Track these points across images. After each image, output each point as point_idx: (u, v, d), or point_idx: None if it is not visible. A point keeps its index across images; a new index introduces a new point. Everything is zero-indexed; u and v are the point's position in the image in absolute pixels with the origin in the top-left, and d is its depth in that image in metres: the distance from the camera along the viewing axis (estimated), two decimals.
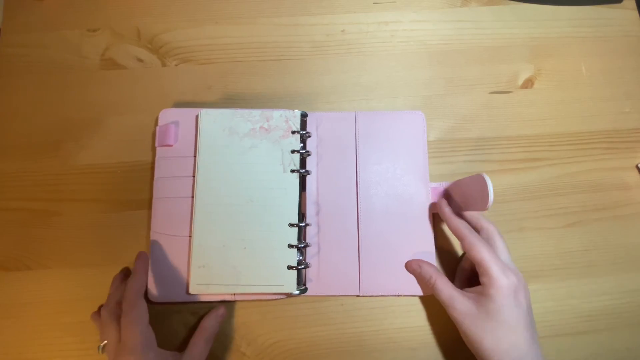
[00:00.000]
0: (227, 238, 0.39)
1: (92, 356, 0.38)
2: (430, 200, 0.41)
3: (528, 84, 0.46)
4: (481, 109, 0.45)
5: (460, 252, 0.41)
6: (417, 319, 0.40)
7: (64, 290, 0.40)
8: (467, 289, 0.35)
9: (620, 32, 0.48)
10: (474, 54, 0.47)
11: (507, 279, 0.33)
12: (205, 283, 0.38)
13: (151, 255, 0.39)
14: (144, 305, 0.35)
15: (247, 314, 0.40)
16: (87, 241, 0.41)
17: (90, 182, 0.42)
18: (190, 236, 0.39)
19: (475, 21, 0.48)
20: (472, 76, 0.46)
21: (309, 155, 0.42)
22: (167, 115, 0.42)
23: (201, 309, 0.39)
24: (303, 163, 0.41)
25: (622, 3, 0.49)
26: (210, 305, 0.39)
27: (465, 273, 0.39)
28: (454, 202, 0.39)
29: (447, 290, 0.35)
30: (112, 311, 0.35)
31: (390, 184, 0.41)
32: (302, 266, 0.38)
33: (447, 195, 0.40)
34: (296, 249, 0.39)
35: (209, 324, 0.37)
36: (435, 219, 0.41)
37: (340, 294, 0.39)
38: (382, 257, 0.40)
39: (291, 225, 0.39)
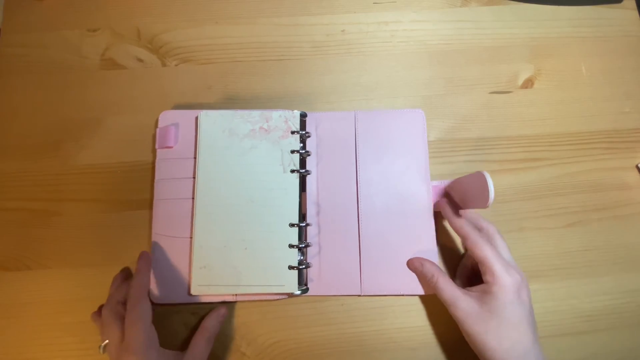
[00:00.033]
0: (228, 239, 0.39)
1: (92, 356, 0.38)
2: (432, 199, 0.41)
3: (528, 84, 0.46)
4: (481, 109, 0.45)
5: (461, 250, 0.41)
6: (418, 319, 0.40)
7: (64, 290, 0.40)
8: (469, 287, 0.35)
9: (620, 32, 0.48)
10: (474, 54, 0.47)
11: (511, 277, 0.33)
12: (206, 284, 0.38)
13: (152, 256, 0.39)
14: (147, 304, 0.35)
15: (247, 314, 0.40)
16: (87, 241, 0.41)
17: (90, 182, 0.42)
18: (191, 237, 0.39)
19: (475, 21, 0.48)
20: (472, 76, 0.46)
21: (309, 155, 0.42)
22: (167, 117, 0.43)
23: (201, 309, 0.39)
24: (303, 163, 0.41)
25: (622, 3, 0.49)
26: (211, 306, 0.39)
27: (467, 272, 0.39)
28: (454, 200, 0.39)
29: (449, 289, 0.35)
30: (113, 310, 0.35)
31: (391, 182, 0.41)
32: (303, 266, 0.38)
33: (447, 193, 0.40)
34: (297, 249, 0.39)
35: (210, 324, 0.37)
36: (437, 217, 0.41)
37: (342, 294, 0.39)
38: (383, 257, 0.39)
39: (292, 225, 0.39)
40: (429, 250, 0.39)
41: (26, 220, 0.41)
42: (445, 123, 0.45)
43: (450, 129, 0.45)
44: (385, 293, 0.39)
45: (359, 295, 0.39)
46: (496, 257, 0.33)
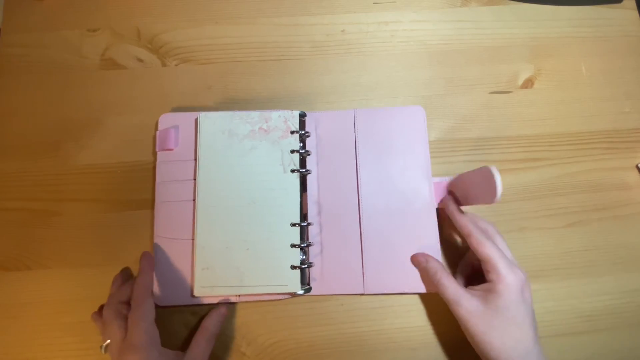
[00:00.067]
0: (229, 240, 0.39)
1: (93, 356, 0.38)
2: (434, 195, 0.40)
3: (528, 84, 0.46)
4: (481, 109, 0.45)
5: (463, 247, 0.41)
6: (418, 319, 0.40)
7: (64, 290, 0.40)
8: (471, 286, 0.35)
9: (620, 32, 0.48)
10: (474, 54, 0.47)
11: (515, 276, 0.33)
12: (209, 285, 0.38)
13: (155, 259, 0.39)
14: (151, 303, 0.35)
15: (247, 314, 0.40)
16: (87, 241, 0.41)
17: (90, 182, 0.42)
18: (193, 239, 0.39)
19: (475, 21, 0.48)
20: (472, 76, 0.46)
21: (309, 154, 0.42)
22: (167, 120, 0.43)
23: (202, 309, 0.39)
24: (303, 163, 0.41)
25: (622, 3, 0.49)
26: (212, 306, 0.39)
27: (468, 270, 0.39)
28: (457, 197, 0.39)
29: (452, 287, 0.35)
30: (115, 310, 0.35)
31: (392, 180, 0.41)
32: (306, 265, 0.38)
33: (449, 189, 0.40)
34: (299, 249, 0.39)
35: (210, 323, 0.37)
36: (439, 214, 0.40)
37: (345, 293, 0.39)
38: (385, 255, 0.39)
39: (293, 225, 0.39)
40: (432, 247, 0.39)
41: (26, 220, 0.41)
42: (445, 123, 0.45)
43: (450, 129, 0.45)
44: (388, 291, 0.39)
45: (362, 294, 0.39)
46: (500, 256, 0.33)
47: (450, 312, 0.35)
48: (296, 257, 0.38)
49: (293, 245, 0.38)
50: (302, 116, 0.42)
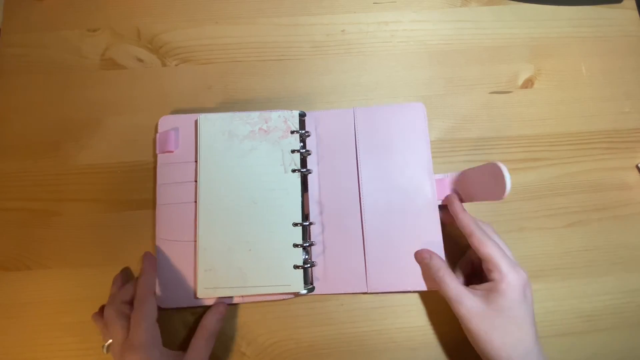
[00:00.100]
0: (232, 241, 0.39)
1: (93, 356, 0.38)
2: (435, 192, 0.40)
3: (528, 84, 0.46)
4: (481, 109, 0.45)
5: (462, 245, 0.41)
6: (418, 319, 0.40)
7: (64, 290, 0.40)
8: (473, 285, 0.35)
9: (620, 32, 0.48)
10: (474, 54, 0.47)
11: (517, 275, 0.33)
12: (212, 287, 0.38)
13: (157, 261, 0.39)
14: (153, 303, 0.35)
15: (247, 314, 0.40)
16: (87, 241, 0.41)
17: (90, 182, 0.42)
18: (195, 241, 0.39)
19: (475, 21, 0.48)
20: (472, 76, 0.46)
21: (309, 154, 0.42)
22: (167, 122, 0.42)
23: (202, 309, 0.39)
24: (304, 162, 0.41)
25: (622, 3, 0.49)
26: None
27: (467, 269, 0.39)
28: (461, 194, 0.38)
29: (454, 286, 0.34)
30: (118, 310, 0.35)
31: (393, 178, 0.41)
32: (308, 265, 0.38)
33: (453, 187, 0.40)
34: (301, 248, 0.38)
35: (209, 322, 0.36)
36: (441, 211, 0.40)
37: (348, 292, 0.39)
38: (388, 253, 0.39)
39: (295, 224, 0.39)
40: (435, 244, 0.39)
41: (26, 220, 0.41)
42: (445, 123, 0.45)
43: (450, 129, 0.45)
44: (391, 290, 0.39)
45: (365, 293, 0.39)
46: (502, 255, 0.33)
47: (450, 311, 0.35)
48: (299, 256, 0.38)
49: (295, 245, 0.38)
50: (302, 116, 0.42)
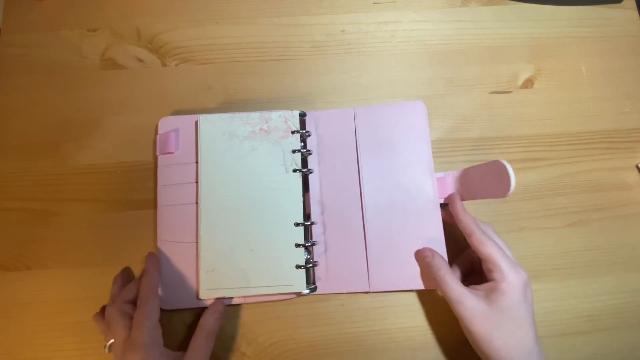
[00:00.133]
0: (233, 241, 0.39)
1: (93, 356, 0.38)
2: (437, 191, 0.40)
3: (528, 84, 0.46)
4: (481, 109, 0.45)
5: (463, 243, 0.41)
6: (418, 319, 0.40)
7: (64, 290, 0.40)
8: (473, 286, 0.35)
9: (620, 32, 0.48)
10: (474, 54, 0.47)
11: (518, 274, 0.33)
12: (214, 287, 0.38)
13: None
14: (156, 303, 0.35)
15: (247, 314, 0.40)
16: (87, 241, 0.41)
17: (90, 182, 0.42)
18: (196, 242, 0.39)
19: (475, 21, 0.48)
20: (472, 76, 0.46)
21: (310, 154, 0.42)
22: (167, 123, 0.42)
23: (202, 308, 0.39)
24: (304, 162, 0.41)
25: (622, 3, 0.49)
26: None
27: (466, 267, 0.39)
28: (463, 192, 0.38)
29: (456, 286, 0.34)
30: (120, 309, 0.35)
31: (394, 176, 0.41)
32: (310, 265, 0.38)
33: (454, 184, 0.40)
34: (303, 248, 0.38)
35: (208, 321, 0.36)
36: (442, 209, 0.40)
37: (350, 291, 0.39)
38: (390, 252, 0.39)
39: (297, 224, 0.39)
40: (437, 242, 0.39)
41: (26, 220, 0.41)
42: (445, 123, 0.45)
43: (450, 129, 0.45)
44: (393, 288, 0.39)
45: (368, 292, 0.39)
46: (502, 255, 0.33)
47: (450, 311, 0.35)
48: (301, 256, 0.38)
49: (297, 245, 0.38)
50: (302, 116, 0.42)
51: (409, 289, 0.39)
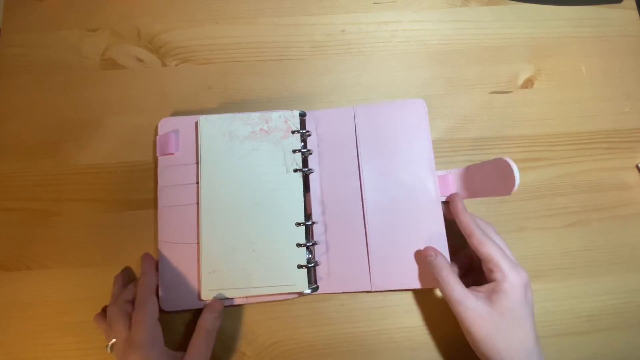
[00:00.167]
0: (235, 242, 0.39)
1: (93, 356, 0.38)
2: (438, 189, 0.40)
3: (528, 84, 0.46)
4: (481, 109, 0.45)
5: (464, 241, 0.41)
6: (418, 319, 0.40)
7: (64, 290, 0.40)
8: (473, 287, 0.35)
9: (620, 32, 0.48)
10: (474, 54, 0.47)
11: (519, 275, 0.33)
12: (216, 288, 0.38)
13: (160, 264, 0.39)
14: (154, 302, 0.35)
15: (247, 314, 0.40)
16: (87, 241, 0.41)
17: (90, 182, 0.42)
18: (198, 243, 0.39)
19: (475, 21, 0.48)
20: (472, 76, 0.46)
21: (311, 154, 0.41)
22: (167, 124, 0.42)
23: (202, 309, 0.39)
24: (305, 162, 0.41)
25: (622, 3, 0.49)
26: None
27: (465, 264, 0.39)
28: (465, 190, 0.38)
29: (458, 287, 0.34)
30: (121, 309, 0.35)
31: (395, 175, 0.40)
32: (312, 264, 0.38)
33: (456, 182, 0.39)
34: (305, 248, 0.38)
35: (206, 320, 0.36)
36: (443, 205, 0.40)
37: (352, 291, 0.39)
38: (392, 251, 0.39)
39: (298, 224, 0.39)
40: (439, 241, 0.38)
41: (26, 220, 0.41)
42: (445, 123, 0.45)
43: (450, 129, 0.45)
44: (395, 288, 0.39)
45: (370, 291, 0.39)
46: (502, 255, 0.33)
47: (450, 311, 0.35)
48: (302, 256, 0.38)
49: (299, 245, 0.38)
50: (302, 115, 0.42)
51: (410, 288, 0.39)
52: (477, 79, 0.46)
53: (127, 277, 0.40)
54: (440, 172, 0.40)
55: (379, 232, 0.39)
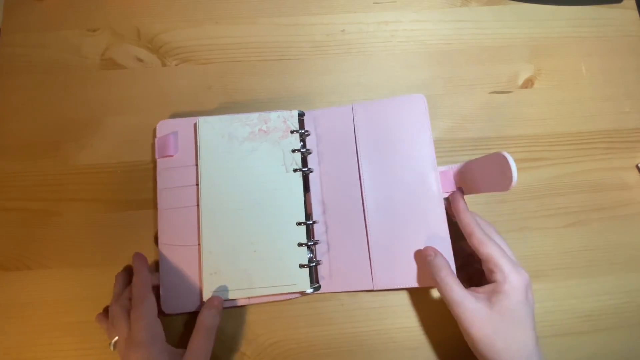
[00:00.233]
0: (236, 243, 0.38)
1: (93, 356, 0.38)
2: (440, 185, 0.39)
3: (528, 84, 0.46)
4: (481, 109, 0.45)
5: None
6: (418, 319, 0.40)
7: (64, 290, 0.40)
8: (473, 288, 0.35)
9: (620, 32, 0.48)
10: (474, 54, 0.47)
11: (520, 275, 0.32)
12: (218, 290, 0.38)
13: (161, 267, 0.39)
14: (151, 299, 0.35)
15: (247, 314, 0.40)
16: (87, 241, 0.41)
17: (90, 182, 0.42)
18: (199, 245, 0.39)
19: (475, 21, 0.48)
20: (472, 76, 0.46)
21: (310, 153, 0.41)
22: (165, 126, 0.42)
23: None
24: (304, 162, 0.41)
25: (622, 3, 0.49)
26: None
27: (463, 259, 0.38)
28: (464, 186, 0.38)
29: (457, 288, 0.33)
30: (123, 307, 0.35)
31: (395, 172, 0.40)
32: (314, 264, 0.38)
33: (457, 181, 0.39)
34: (306, 247, 0.38)
35: (205, 318, 0.35)
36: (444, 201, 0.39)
37: (354, 290, 0.39)
38: (393, 249, 0.38)
39: (299, 224, 0.39)
40: (441, 238, 0.38)
41: (26, 220, 0.41)
42: (445, 123, 0.45)
43: (450, 129, 0.45)
44: (397, 286, 0.38)
45: (372, 290, 0.39)
46: (503, 255, 0.33)
47: (450, 312, 0.35)
48: (304, 255, 0.38)
49: (300, 244, 0.38)
50: (301, 115, 0.42)
51: (412, 286, 0.38)
52: (477, 79, 0.46)
53: (129, 276, 0.40)
54: (442, 168, 0.40)
55: (381, 230, 0.39)
